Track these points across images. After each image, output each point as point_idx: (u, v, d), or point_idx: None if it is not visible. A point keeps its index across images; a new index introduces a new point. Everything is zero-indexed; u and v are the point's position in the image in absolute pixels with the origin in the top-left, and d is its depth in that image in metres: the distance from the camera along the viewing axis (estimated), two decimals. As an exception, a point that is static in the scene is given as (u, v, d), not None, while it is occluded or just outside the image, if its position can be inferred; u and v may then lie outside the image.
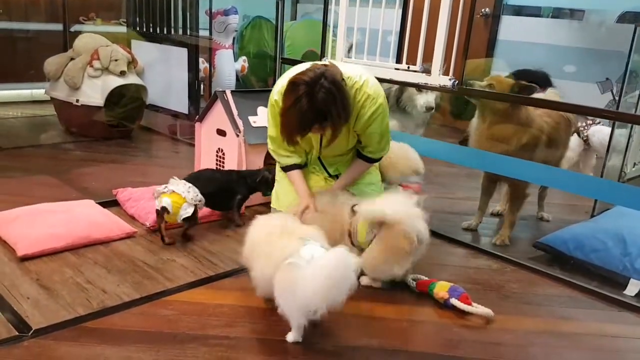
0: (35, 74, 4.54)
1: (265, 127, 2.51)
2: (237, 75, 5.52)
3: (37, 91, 4.93)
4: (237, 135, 2.87)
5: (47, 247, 2.27)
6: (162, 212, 2.37)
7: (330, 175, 2.53)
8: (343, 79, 2.16)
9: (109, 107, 4.17)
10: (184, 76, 4.32)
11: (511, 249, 2.72)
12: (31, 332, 1.75)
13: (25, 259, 2.22)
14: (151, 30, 4.58)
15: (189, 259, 2.33)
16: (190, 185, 2.43)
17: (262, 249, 1.87)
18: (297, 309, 1.71)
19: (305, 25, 5.80)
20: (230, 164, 2.96)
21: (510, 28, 5.13)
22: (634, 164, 3.33)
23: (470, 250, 2.67)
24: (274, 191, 2.62)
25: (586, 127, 3.57)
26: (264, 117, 2.89)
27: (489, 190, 2.91)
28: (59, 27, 4.94)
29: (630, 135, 3.15)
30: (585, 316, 2.15)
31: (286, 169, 2.48)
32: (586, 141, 3.61)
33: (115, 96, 4.20)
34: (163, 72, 4.51)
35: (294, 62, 3.11)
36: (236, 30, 5.50)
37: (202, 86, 4.95)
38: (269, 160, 2.76)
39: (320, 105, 2.05)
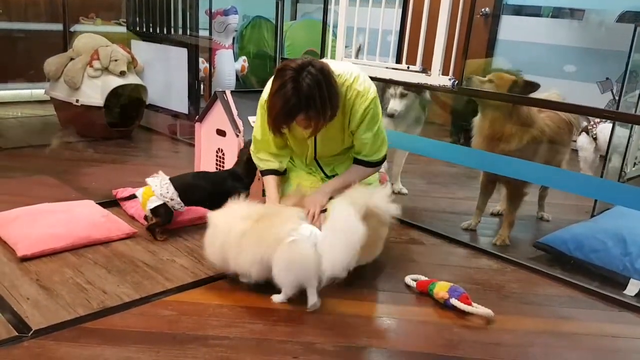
0: (35, 74, 4.55)
1: (265, 128, 2.51)
2: (237, 75, 5.52)
3: (37, 91, 4.94)
4: (237, 136, 2.87)
5: (47, 248, 2.27)
6: (133, 198, 2.47)
7: (327, 176, 2.52)
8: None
9: (108, 107, 4.17)
10: (183, 76, 4.32)
11: (511, 249, 2.72)
12: (31, 332, 1.75)
13: (25, 259, 2.22)
14: (151, 30, 4.58)
15: (189, 260, 2.32)
16: (167, 182, 2.42)
17: (250, 234, 2.01)
18: (309, 278, 1.96)
19: (305, 25, 5.81)
20: (230, 164, 2.96)
21: (510, 28, 5.13)
22: (634, 163, 3.33)
23: (470, 250, 2.67)
24: None
25: (594, 125, 3.56)
26: (263, 117, 2.88)
27: (488, 190, 2.91)
28: (58, 27, 4.93)
29: (630, 135, 3.15)
30: (586, 316, 2.15)
31: (263, 173, 2.45)
32: (595, 139, 3.60)
33: (115, 96, 4.20)
34: (163, 72, 4.51)
35: (293, 62, 3.10)
36: (236, 30, 5.50)
37: (202, 86, 4.96)
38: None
39: (306, 92, 2.02)
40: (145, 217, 2.53)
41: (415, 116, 3.39)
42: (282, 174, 2.46)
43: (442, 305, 2.10)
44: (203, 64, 4.92)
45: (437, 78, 2.68)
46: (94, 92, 4.08)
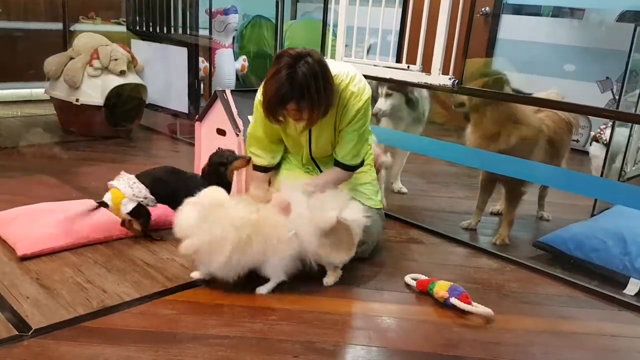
0: (35, 74, 4.54)
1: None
2: (237, 75, 5.52)
3: (37, 90, 4.94)
4: (237, 135, 2.86)
5: (46, 247, 2.27)
6: (104, 206, 2.37)
7: None
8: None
9: (108, 107, 4.17)
10: (183, 75, 4.32)
11: (511, 249, 2.72)
12: (31, 331, 1.75)
13: (25, 258, 2.22)
14: (151, 29, 4.58)
15: (188, 259, 2.32)
16: (135, 181, 2.38)
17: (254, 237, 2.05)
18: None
19: (305, 25, 5.81)
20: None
21: (510, 27, 5.13)
22: (634, 162, 3.33)
23: (470, 250, 2.67)
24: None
25: (603, 131, 3.53)
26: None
27: (488, 189, 2.91)
28: (58, 26, 4.93)
29: (630, 135, 3.15)
30: (586, 315, 2.15)
31: (254, 167, 2.47)
32: (605, 144, 3.57)
33: (115, 95, 4.20)
34: (163, 72, 4.51)
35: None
36: (236, 30, 5.51)
37: (202, 85, 4.96)
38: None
39: (300, 80, 2.01)
40: (123, 223, 2.44)
41: (414, 116, 3.37)
42: (272, 169, 2.49)
43: (442, 304, 2.10)
44: (203, 63, 4.92)
45: (437, 77, 2.68)
46: (93, 92, 4.08)
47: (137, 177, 2.41)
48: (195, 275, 2.16)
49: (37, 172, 3.33)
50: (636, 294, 2.31)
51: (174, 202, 2.32)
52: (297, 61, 2.03)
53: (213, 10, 4.90)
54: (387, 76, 2.92)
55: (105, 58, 4.10)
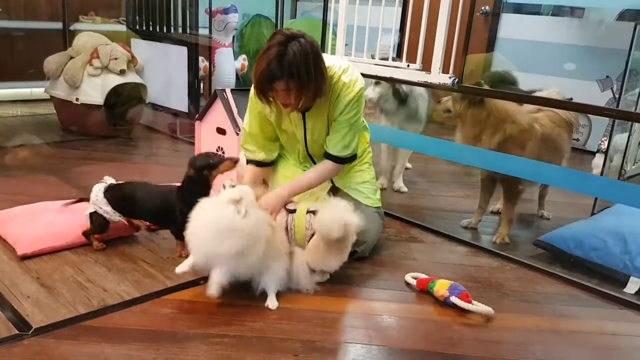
0: (35, 73, 4.54)
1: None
2: (237, 74, 5.52)
3: (37, 90, 4.92)
4: (237, 134, 2.87)
5: (47, 246, 2.27)
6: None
7: None
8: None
9: (108, 106, 4.17)
10: (183, 75, 4.32)
11: (511, 247, 2.72)
12: (31, 330, 1.75)
13: (25, 257, 2.22)
14: (151, 28, 4.58)
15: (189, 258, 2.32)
16: (100, 190, 2.30)
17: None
18: None
19: (305, 24, 5.80)
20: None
21: (510, 26, 5.13)
22: (634, 161, 3.33)
23: (470, 249, 2.67)
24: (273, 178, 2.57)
25: (603, 142, 3.51)
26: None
27: (488, 188, 2.90)
28: (58, 25, 4.93)
29: (630, 134, 3.15)
30: (586, 314, 2.15)
31: (248, 161, 2.47)
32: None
33: (115, 95, 4.20)
34: (163, 71, 4.51)
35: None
36: (236, 29, 5.50)
37: (202, 85, 4.96)
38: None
39: (290, 58, 2.00)
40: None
41: (407, 112, 3.35)
42: (267, 165, 2.47)
43: (442, 303, 2.10)
44: (203, 63, 4.92)
45: (437, 76, 2.68)
46: (93, 91, 4.08)
47: (109, 187, 2.32)
48: (183, 269, 2.01)
49: (37, 171, 3.33)
50: (636, 293, 2.31)
51: (149, 217, 2.35)
52: (289, 40, 2.02)
53: (213, 9, 4.90)
54: (387, 75, 2.92)
55: (105, 57, 4.10)
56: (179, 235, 2.18)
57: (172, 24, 4.42)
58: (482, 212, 2.94)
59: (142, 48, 4.63)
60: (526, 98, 2.88)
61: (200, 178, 2.22)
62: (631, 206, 2.32)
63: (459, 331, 1.95)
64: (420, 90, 3.35)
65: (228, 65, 5.31)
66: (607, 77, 4.64)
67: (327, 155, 2.34)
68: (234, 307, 1.98)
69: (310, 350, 1.76)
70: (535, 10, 5.09)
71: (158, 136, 4.51)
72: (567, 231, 2.67)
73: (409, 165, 3.82)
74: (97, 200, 2.29)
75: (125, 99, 4.33)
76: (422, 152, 3.27)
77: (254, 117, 2.38)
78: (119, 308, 1.92)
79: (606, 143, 3.37)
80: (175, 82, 4.41)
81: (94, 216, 2.29)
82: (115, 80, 4.12)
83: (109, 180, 2.36)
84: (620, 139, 3.24)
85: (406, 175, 3.62)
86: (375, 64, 2.98)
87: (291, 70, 2.01)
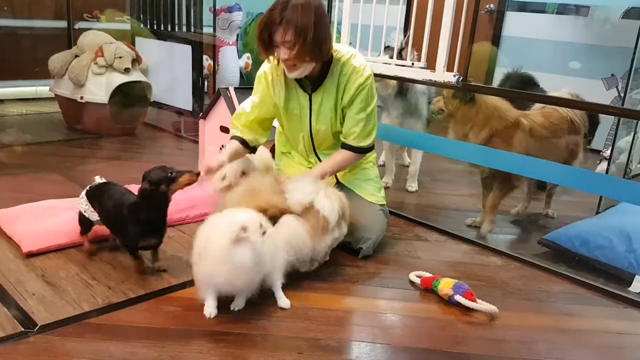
0: (39, 71, 4.55)
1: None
2: (240, 72, 5.53)
3: (42, 88, 4.94)
4: (241, 132, 2.87)
5: (52, 244, 2.28)
6: None
7: None
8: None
9: (113, 104, 4.18)
10: (188, 73, 4.32)
11: (516, 246, 2.72)
12: (37, 328, 1.76)
13: (30, 255, 2.22)
14: (155, 27, 4.58)
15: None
16: (85, 191, 2.24)
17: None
18: None
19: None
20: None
21: (515, 24, 5.11)
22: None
23: (474, 247, 2.67)
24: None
25: (605, 151, 3.50)
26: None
27: (491, 186, 2.90)
28: (63, 24, 4.95)
29: (635, 132, 3.14)
30: (591, 313, 2.14)
31: (232, 137, 2.45)
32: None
33: (120, 93, 4.21)
34: (167, 69, 4.51)
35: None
36: (240, 27, 5.50)
37: (206, 83, 4.96)
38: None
39: (291, 10, 2.04)
40: None
41: (406, 108, 3.33)
42: (246, 146, 2.41)
43: (446, 301, 2.10)
44: (207, 61, 4.93)
45: (441, 74, 2.68)
46: (98, 89, 4.09)
47: (91, 186, 2.25)
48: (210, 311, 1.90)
49: (42, 170, 3.34)
50: (641, 292, 2.31)
51: (107, 225, 2.20)
52: None
53: (217, 7, 4.89)
54: (391, 73, 2.91)
55: (110, 56, 4.11)
56: (128, 249, 2.13)
57: (176, 22, 4.43)
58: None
59: (146, 47, 4.64)
60: (530, 96, 2.89)
61: (157, 193, 2.00)
62: (636, 205, 2.31)
63: (463, 330, 1.94)
64: (419, 86, 3.33)
65: (232, 63, 5.32)
66: (612, 75, 4.62)
67: (346, 146, 2.36)
68: (238, 305, 1.98)
69: (314, 348, 1.76)
70: (539, 9, 5.07)
71: (162, 135, 4.52)
72: (572, 230, 2.66)
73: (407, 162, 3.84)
74: (81, 199, 2.24)
75: (129, 97, 4.34)
76: (429, 152, 3.26)
77: (257, 97, 2.39)
78: (123, 306, 1.92)
79: (608, 152, 3.38)
80: (179, 81, 4.41)
81: (80, 215, 2.24)
82: (119, 78, 4.13)
83: (99, 180, 2.29)
84: (624, 142, 3.25)
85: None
86: (378, 62, 2.97)
87: (290, 19, 2.04)
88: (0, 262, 2.17)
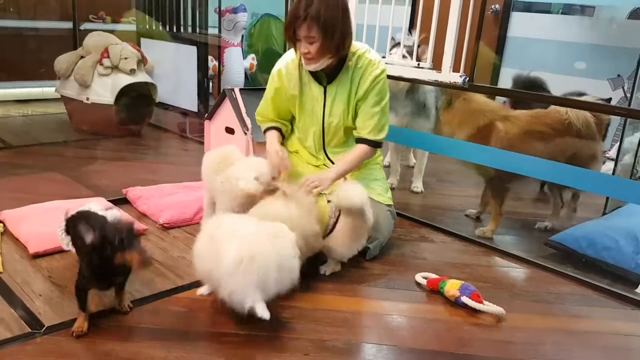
0: (45, 72, 4.57)
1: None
2: (245, 73, 5.53)
3: (48, 89, 4.96)
4: (245, 133, 2.87)
5: (58, 245, 2.27)
6: None
7: None
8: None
9: (118, 105, 4.18)
10: (193, 74, 4.33)
11: (523, 247, 2.71)
12: (43, 328, 1.76)
13: (37, 256, 2.23)
14: (161, 28, 4.59)
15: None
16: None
17: None
18: None
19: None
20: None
21: (520, 24, 5.10)
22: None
23: (481, 248, 2.66)
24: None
25: (608, 152, 3.48)
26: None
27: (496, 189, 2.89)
28: (69, 25, 4.96)
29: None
30: (598, 314, 2.13)
31: (266, 131, 2.54)
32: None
33: (125, 94, 4.21)
34: (172, 70, 4.52)
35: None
36: (245, 28, 5.51)
37: (211, 84, 4.97)
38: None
39: (317, 5, 2.10)
40: None
41: (414, 106, 3.32)
42: (282, 137, 2.54)
43: (453, 303, 2.09)
44: (212, 62, 4.93)
45: (447, 75, 2.67)
46: (104, 90, 4.10)
47: (78, 212, 2.01)
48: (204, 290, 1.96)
49: (48, 170, 3.34)
50: (649, 293, 2.29)
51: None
52: None
53: (222, 8, 4.91)
54: (397, 74, 2.91)
55: (116, 57, 4.11)
56: (76, 287, 1.75)
57: (181, 23, 4.44)
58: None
59: (152, 48, 4.65)
60: (529, 96, 2.91)
61: (102, 252, 1.64)
62: (643, 206, 2.31)
63: (470, 331, 1.94)
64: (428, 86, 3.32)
65: (237, 64, 5.32)
66: (619, 75, 4.60)
67: (362, 140, 2.39)
68: (244, 306, 1.98)
69: (320, 350, 1.76)
70: (545, 9, 5.05)
71: (168, 135, 4.52)
72: (578, 231, 2.65)
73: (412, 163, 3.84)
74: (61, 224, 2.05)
75: (135, 98, 4.34)
76: (435, 152, 3.26)
77: (272, 95, 2.45)
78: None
79: (613, 152, 3.36)
80: (184, 82, 4.42)
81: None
82: (125, 79, 4.14)
83: (94, 207, 2.04)
84: (628, 142, 3.24)
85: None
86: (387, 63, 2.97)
87: (314, 15, 2.10)
88: (7, 263, 2.18)
